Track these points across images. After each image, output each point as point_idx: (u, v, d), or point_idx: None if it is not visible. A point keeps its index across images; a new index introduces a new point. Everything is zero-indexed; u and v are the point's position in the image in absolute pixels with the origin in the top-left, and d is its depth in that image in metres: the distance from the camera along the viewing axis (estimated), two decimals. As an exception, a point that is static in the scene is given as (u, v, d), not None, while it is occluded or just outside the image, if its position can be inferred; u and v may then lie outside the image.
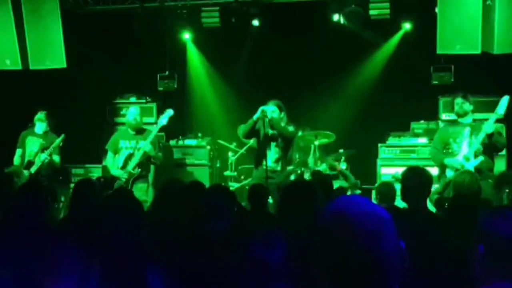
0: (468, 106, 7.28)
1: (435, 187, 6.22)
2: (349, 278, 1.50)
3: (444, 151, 7.30)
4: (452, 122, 7.63)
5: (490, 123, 6.97)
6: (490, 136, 7.00)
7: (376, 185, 8.79)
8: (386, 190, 6.20)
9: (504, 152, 8.18)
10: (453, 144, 7.21)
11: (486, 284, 1.97)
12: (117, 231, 3.27)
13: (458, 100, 7.28)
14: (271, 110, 7.64)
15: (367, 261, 1.49)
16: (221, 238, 3.56)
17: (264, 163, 7.51)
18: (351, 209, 1.54)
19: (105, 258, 3.24)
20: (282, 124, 7.70)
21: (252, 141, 8.86)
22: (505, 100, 7.09)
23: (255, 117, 7.59)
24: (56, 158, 8.35)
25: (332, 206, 1.59)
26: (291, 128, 7.74)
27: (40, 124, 8.43)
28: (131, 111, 8.25)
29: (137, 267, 3.19)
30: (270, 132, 7.66)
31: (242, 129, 7.85)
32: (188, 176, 9.27)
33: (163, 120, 8.11)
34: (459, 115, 7.28)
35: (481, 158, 6.96)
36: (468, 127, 7.17)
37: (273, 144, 7.75)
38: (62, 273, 2.04)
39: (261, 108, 7.59)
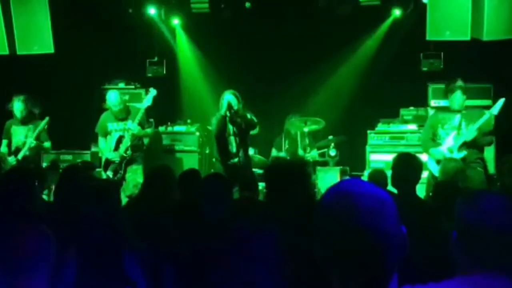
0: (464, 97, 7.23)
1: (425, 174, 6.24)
2: (350, 257, 1.50)
3: (433, 137, 7.28)
4: (444, 108, 7.57)
5: (472, 130, 6.95)
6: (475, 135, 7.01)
7: (365, 172, 8.84)
8: (378, 178, 6.20)
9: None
10: (440, 131, 7.19)
11: (459, 270, 1.98)
12: (92, 218, 3.26)
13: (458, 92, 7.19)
14: (231, 99, 7.51)
15: (368, 240, 1.49)
16: (214, 225, 3.56)
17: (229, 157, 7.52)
18: (354, 189, 1.55)
19: (82, 244, 3.23)
20: (247, 115, 7.62)
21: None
22: (500, 102, 7.02)
23: (222, 112, 7.47)
24: (47, 144, 8.26)
25: (335, 187, 1.60)
26: (254, 118, 7.63)
27: (19, 112, 8.20)
28: (112, 101, 8.02)
29: (114, 254, 3.19)
30: (233, 125, 7.54)
31: (215, 129, 7.65)
32: (177, 163, 9.25)
33: (148, 101, 8.04)
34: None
35: (464, 152, 6.95)
36: (459, 114, 7.14)
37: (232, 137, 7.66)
38: (35, 260, 2.03)
39: (226, 100, 7.46)
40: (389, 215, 1.54)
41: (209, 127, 9.42)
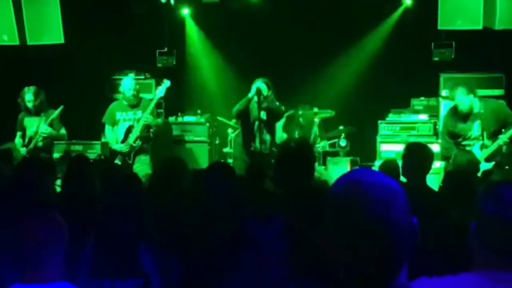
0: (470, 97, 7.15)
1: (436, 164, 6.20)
2: (359, 246, 1.49)
3: (453, 140, 7.21)
4: (456, 113, 7.40)
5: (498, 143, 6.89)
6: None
7: (376, 162, 8.81)
8: (390, 168, 6.16)
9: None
10: (463, 141, 7.13)
11: (477, 262, 1.95)
12: (112, 208, 3.26)
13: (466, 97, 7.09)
14: (262, 86, 7.57)
15: (378, 230, 1.48)
16: (219, 214, 3.55)
17: (253, 143, 7.53)
18: (365, 178, 1.54)
19: (99, 234, 3.24)
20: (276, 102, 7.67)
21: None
22: None
23: (250, 95, 7.51)
24: (63, 131, 8.31)
25: (346, 176, 1.60)
26: (282, 107, 7.70)
27: (30, 103, 8.22)
28: (126, 85, 8.09)
29: (130, 244, 3.19)
30: (262, 112, 7.59)
31: (236, 108, 7.74)
32: (187, 153, 9.24)
33: (161, 91, 8.05)
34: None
35: (492, 163, 6.88)
36: (477, 122, 7.06)
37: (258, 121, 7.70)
38: (47, 247, 2.03)
39: (255, 86, 7.51)
40: (399, 205, 1.53)
41: (219, 117, 9.44)
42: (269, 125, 7.75)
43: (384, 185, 1.54)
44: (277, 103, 7.72)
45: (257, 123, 7.60)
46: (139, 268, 3.17)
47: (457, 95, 7.11)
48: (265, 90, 7.57)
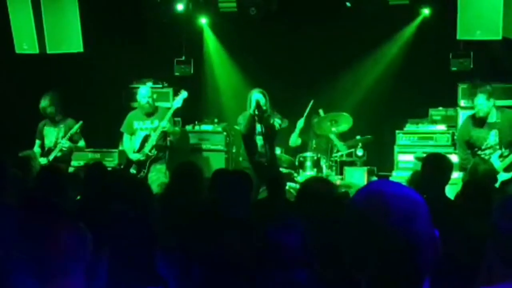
0: (490, 103, 7.08)
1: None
2: (380, 258, 1.48)
3: (470, 150, 7.16)
4: (473, 120, 7.35)
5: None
6: None
7: (393, 172, 8.78)
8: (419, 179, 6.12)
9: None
10: (479, 151, 7.07)
11: (494, 276, 1.93)
12: (124, 217, 3.27)
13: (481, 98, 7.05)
14: (260, 98, 7.52)
15: (399, 241, 1.47)
16: (238, 223, 3.55)
17: (255, 156, 7.51)
18: (386, 189, 1.53)
19: (114, 243, 3.25)
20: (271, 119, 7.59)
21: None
22: None
23: (251, 110, 7.48)
24: (81, 143, 8.36)
25: (366, 187, 1.59)
26: (276, 123, 7.60)
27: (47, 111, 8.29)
28: (142, 93, 8.15)
29: (145, 252, 3.20)
30: (259, 126, 7.54)
31: (244, 128, 7.69)
32: (204, 161, 9.27)
33: (178, 102, 8.09)
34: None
35: (511, 173, 6.82)
36: (494, 130, 6.99)
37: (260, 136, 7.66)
38: (72, 257, 2.03)
39: (254, 99, 7.47)
40: (421, 217, 1.52)
41: (236, 126, 9.45)
42: (268, 136, 7.63)
43: (406, 197, 1.53)
44: (272, 119, 7.60)
45: (259, 137, 7.58)
46: (157, 276, 3.17)
47: (477, 99, 7.05)
48: (263, 102, 7.51)
